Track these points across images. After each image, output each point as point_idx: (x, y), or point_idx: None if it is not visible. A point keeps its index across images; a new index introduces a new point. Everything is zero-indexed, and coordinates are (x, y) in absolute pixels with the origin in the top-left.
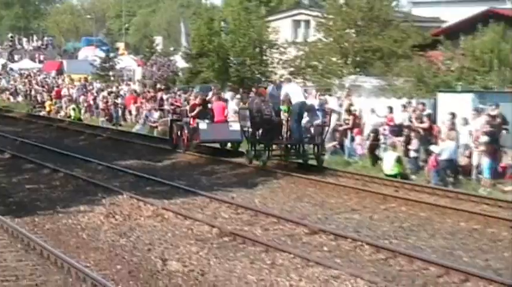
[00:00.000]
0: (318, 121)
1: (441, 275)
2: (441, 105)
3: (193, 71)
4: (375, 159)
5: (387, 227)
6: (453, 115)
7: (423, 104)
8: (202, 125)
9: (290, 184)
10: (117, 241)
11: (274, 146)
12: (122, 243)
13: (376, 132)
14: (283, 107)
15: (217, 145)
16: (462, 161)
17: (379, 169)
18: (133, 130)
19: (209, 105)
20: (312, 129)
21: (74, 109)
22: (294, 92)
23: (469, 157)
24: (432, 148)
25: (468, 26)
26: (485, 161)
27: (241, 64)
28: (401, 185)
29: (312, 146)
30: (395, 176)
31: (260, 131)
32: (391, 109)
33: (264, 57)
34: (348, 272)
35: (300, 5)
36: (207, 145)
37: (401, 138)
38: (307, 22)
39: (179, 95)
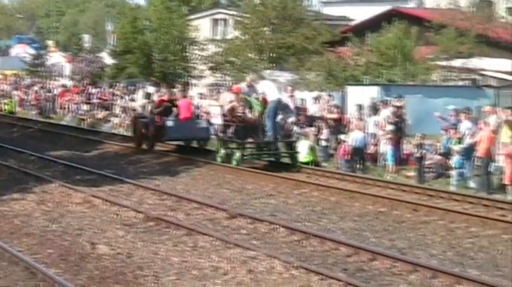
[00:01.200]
0: (293, 119)
1: (350, 255)
2: (350, 98)
3: (119, 67)
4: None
5: (300, 210)
6: (360, 107)
7: (329, 95)
8: (169, 122)
9: (210, 171)
10: (48, 227)
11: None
12: (53, 229)
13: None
14: (256, 105)
15: (182, 143)
16: (370, 149)
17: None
18: (63, 122)
19: (175, 103)
20: (286, 127)
21: (7, 103)
22: (270, 89)
23: (376, 145)
24: (342, 137)
25: (374, 24)
26: (389, 149)
27: (164, 60)
28: (313, 172)
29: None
30: (308, 163)
31: (231, 129)
32: (302, 101)
33: (186, 54)
34: (265, 253)
35: (218, 4)
36: (173, 142)
37: (313, 129)
38: (225, 21)
39: (105, 89)
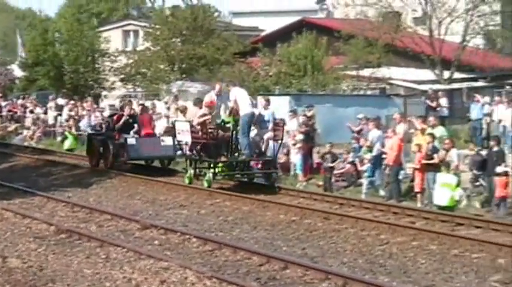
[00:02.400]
0: (269, 135)
1: (263, 263)
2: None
3: (29, 79)
4: None
5: (213, 220)
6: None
7: None
8: (131, 140)
9: (123, 183)
10: None
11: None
12: None
13: None
14: (227, 119)
15: (142, 162)
16: (281, 158)
17: None
18: None
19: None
20: (261, 144)
21: None
22: (243, 99)
23: (287, 154)
24: None
25: (284, 35)
26: (298, 159)
27: (75, 72)
28: (225, 182)
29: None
30: (71, 150)
31: (198, 147)
32: None
33: (97, 65)
34: (177, 263)
35: (129, 16)
36: (132, 162)
37: None
38: (136, 32)
39: (15, 101)
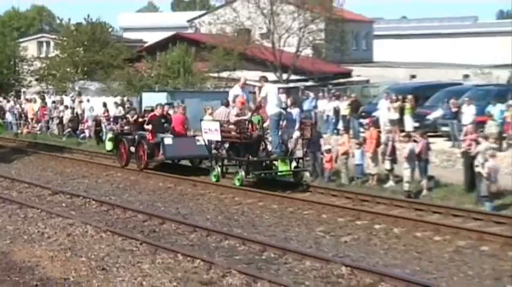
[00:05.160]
0: (297, 133)
1: (146, 220)
2: (145, 101)
3: None
4: (99, 140)
5: (108, 187)
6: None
7: (128, 100)
8: (168, 140)
9: (38, 159)
10: None
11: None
12: None
13: (98, 121)
14: (254, 118)
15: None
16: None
17: (103, 147)
18: None
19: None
20: (289, 143)
21: None
22: (272, 97)
23: None
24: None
25: (162, 46)
26: None
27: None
28: (117, 158)
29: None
30: (112, 151)
31: (226, 145)
32: (105, 104)
33: (17, 68)
34: (80, 220)
35: (42, 30)
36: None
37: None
38: (48, 43)
39: None
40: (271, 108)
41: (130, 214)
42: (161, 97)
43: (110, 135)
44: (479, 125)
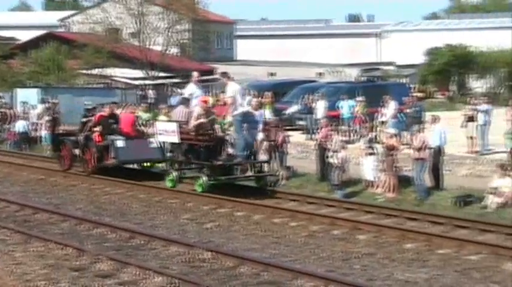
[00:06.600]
0: (261, 136)
1: (18, 210)
2: (19, 97)
3: None
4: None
5: None
6: (24, 103)
7: (0, 96)
8: (119, 142)
9: None
10: None
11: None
12: None
13: None
14: (220, 122)
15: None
16: (32, 134)
17: None
18: None
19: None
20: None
21: None
22: (238, 96)
23: (36, 130)
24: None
25: (35, 44)
26: (46, 134)
27: None
28: None
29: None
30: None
31: (184, 148)
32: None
33: None
34: None
35: None
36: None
37: None
38: None
39: None
40: (237, 107)
41: (2, 205)
42: (34, 93)
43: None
44: (331, 119)
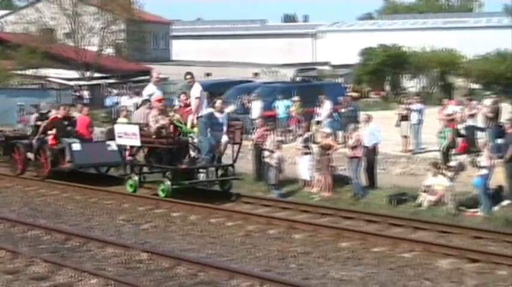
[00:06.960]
0: (225, 138)
1: None
2: None
3: None
4: None
5: None
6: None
7: None
8: (76, 145)
9: None
10: None
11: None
12: None
13: None
14: (181, 125)
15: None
16: None
17: None
18: None
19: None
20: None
21: None
22: (203, 98)
23: None
24: None
25: None
26: None
27: None
28: None
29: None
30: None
31: (145, 152)
32: None
33: None
34: None
35: None
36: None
37: None
38: None
39: None
40: (201, 109)
41: None
42: None
43: None
44: (267, 119)
